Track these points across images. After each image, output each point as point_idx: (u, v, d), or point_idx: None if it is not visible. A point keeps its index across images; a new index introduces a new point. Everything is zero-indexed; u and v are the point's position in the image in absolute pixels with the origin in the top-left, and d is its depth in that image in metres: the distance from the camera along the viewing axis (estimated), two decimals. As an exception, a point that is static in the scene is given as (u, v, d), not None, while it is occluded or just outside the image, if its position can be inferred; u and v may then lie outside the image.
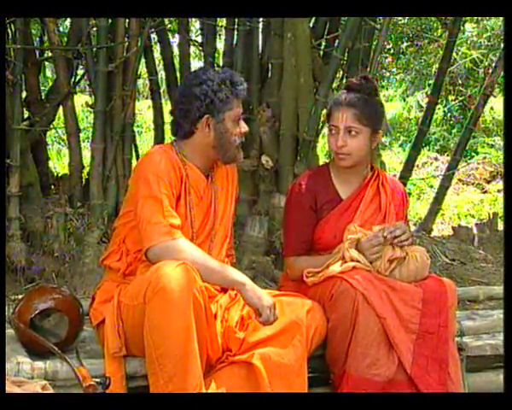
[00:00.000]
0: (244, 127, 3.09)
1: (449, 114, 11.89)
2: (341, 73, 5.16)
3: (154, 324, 2.70)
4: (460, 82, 11.34)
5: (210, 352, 2.90)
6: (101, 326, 2.99)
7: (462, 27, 7.83)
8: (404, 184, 5.53)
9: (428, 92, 7.95)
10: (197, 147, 3.06)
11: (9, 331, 3.00)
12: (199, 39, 5.77)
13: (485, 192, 9.19)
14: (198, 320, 2.74)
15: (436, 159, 10.34)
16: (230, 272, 2.92)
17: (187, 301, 2.69)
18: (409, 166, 6.06)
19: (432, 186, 8.75)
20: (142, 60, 5.05)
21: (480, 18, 9.94)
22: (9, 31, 4.51)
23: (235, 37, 4.95)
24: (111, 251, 3.12)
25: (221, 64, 5.16)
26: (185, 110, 3.01)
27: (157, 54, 5.92)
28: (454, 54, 8.15)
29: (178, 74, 5.24)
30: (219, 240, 3.15)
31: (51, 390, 2.67)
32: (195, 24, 6.94)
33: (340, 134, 3.17)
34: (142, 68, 5.47)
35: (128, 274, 3.03)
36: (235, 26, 4.92)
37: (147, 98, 10.77)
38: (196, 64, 7.70)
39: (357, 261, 3.08)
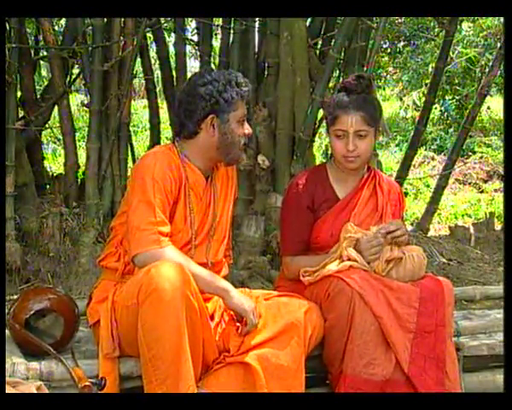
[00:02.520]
0: (248, 129, 3.09)
1: (445, 114, 11.88)
2: (338, 72, 5.15)
3: (147, 325, 2.70)
4: (457, 81, 11.34)
5: (206, 353, 2.88)
6: (98, 326, 2.98)
7: (458, 26, 7.81)
8: (401, 184, 5.54)
9: (425, 91, 7.94)
10: (200, 147, 3.05)
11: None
12: (195, 38, 5.77)
13: (482, 192, 9.19)
14: (192, 321, 2.74)
15: (433, 158, 10.33)
16: (215, 278, 2.94)
17: (180, 302, 2.69)
18: (405, 165, 6.06)
19: (428, 186, 8.75)
20: (138, 59, 5.05)
21: (476, 17, 9.94)
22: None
23: (232, 36, 4.94)
24: (108, 253, 3.11)
25: (217, 63, 5.15)
26: (190, 110, 3.00)
27: (153, 53, 5.91)
28: (450, 53, 8.14)
29: (174, 74, 5.23)
30: (217, 240, 3.15)
31: (46, 391, 2.67)
32: (191, 23, 6.94)
33: (349, 138, 3.15)
34: (138, 68, 5.46)
35: (126, 273, 3.02)
36: (232, 26, 4.91)
37: (143, 98, 10.78)
38: (192, 63, 7.70)
39: (355, 261, 3.07)
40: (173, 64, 5.30)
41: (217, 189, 3.16)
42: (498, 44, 8.03)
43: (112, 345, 2.86)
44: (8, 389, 2.53)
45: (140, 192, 2.91)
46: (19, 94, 4.83)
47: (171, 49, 5.51)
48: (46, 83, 5.71)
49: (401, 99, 13.11)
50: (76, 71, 5.44)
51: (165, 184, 2.93)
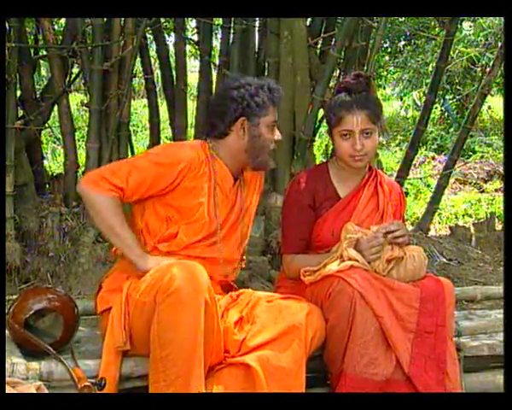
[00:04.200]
0: (278, 135, 3.14)
1: (446, 113, 11.89)
2: (338, 71, 5.14)
3: (164, 324, 2.69)
4: (457, 81, 11.34)
5: (213, 356, 2.88)
6: (106, 314, 2.97)
7: (459, 26, 7.81)
8: (402, 184, 5.54)
9: (426, 91, 7.94)
10: (230, 149, 3.10)
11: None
12: (195, 38, 5.76)
13: (483, 191, 9.18)
14: (207, 327, 2.74)
15: (433, 158, 10.34)
16: (133, 242, 2.96)
17: (199, 306, 2.69)
18: (406, 165, 6.05)
19: (429, 186, 8.74)
20: (138, 58, 5.04)
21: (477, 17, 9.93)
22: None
23: (232, 35, 4.94)
24: None
25: (217, 63, 5.15)
26: (221, 112, 3.06)
27: (153, 53, 5.91)
28: (451, 52, 8.14)
29: (174, 73, 5.22)
30: (234, 241, 3.18)
31: (46, 391, 2.66)
32: (191, 23, 6.93)
33: (356, 138, 3.15)
34: (138, 67, 5.46)
35: None
36: (232, 25, 4.90)
37: (142, 97, 10.78)
38: (192, 63, 7.68)
39: (356, 261, 3.06)
40: (173, 63, 5.30)
41: (244, 191, 3.20)
42: (499, 44, 8.03)
43: (123, 338, 2.83)
44: (8, 390, 2.52)
45: (152, 155, 3.06)
46: (18, 93, 4.83)
47: (171, 49, 5.51)
48: (46, 82, 5.71)
49: (401, 99, 13.12)
50: (76, 70, 5.44)
51: (176, 163, 2.98)
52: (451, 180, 8.21)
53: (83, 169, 4.83)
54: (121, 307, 2.86)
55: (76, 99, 8.22)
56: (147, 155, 3.09)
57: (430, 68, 10.38)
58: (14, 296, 3.44)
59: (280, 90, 3.12)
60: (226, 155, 3.10)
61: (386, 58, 12.15)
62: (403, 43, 11.73)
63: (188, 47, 5.83)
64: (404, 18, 9.78)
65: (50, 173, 5.30)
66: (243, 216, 3.20)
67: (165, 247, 3.02)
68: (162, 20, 5.18)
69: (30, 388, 2.60)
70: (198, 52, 5.51)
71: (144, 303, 2.79)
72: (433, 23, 10.13)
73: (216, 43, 5.93)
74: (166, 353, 2.69)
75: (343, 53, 4.83)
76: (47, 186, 5.01)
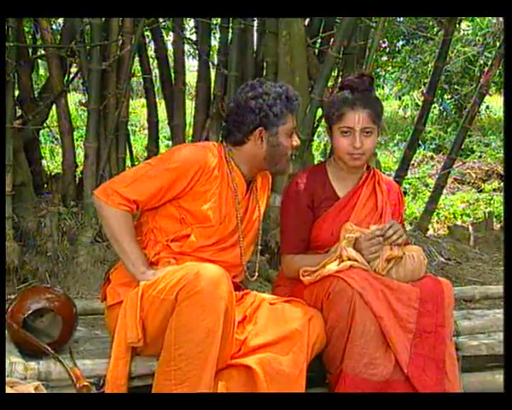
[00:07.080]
0: (296, 141, 3.13)
1: (444, 113, 11.89)
2: (337, 71, 5.15)
3: (182, 324, 2.69)
4: (455, 80, 11.34)
5: (223, 361, 2.86)
6: (115, 308, 2.94)
7: (457, 25, 7.81)
8: (400, 184, 5.54)
9: (424, 91, 7.94)
10: (247, 156, 3.10)
11: (2, 331, 2.98)
12: (193, 37, 5.76)
13: (481, 191, 9.17)
14: (223, 332, 2.74)
15: (432, 158, 10.34)
16: (137, 259, 2.94)
17: (219, 311, 2.69)
18: (404, 165, 6.05)
19: (427, 185, 8.74)
20: (136, 58, 5.04)
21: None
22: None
23: (230, 35, 4.94)
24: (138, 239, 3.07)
25: (216, 62, 5.14)
26: (239, 121, 3.05)
27: (151, 52, 5.91)
28: (449, 52, 8.14)
29: (173, 73, 5.22)
30: (246, 245, 3.19)
31: (44, 391, 2.66)
32: (190, 22, 6.93)
33: (356, 135, 3.15)
34: (136, 67, 5.45)
35: (151, 264, 2.99)
36: (230, 25, 4.90)
37: (141, 97, 10.77)
38: (191, 62, 7.68)
39: (355, 260, 3.06)
40: (171, 63, 5.30)
41: (256, 197, 3.21)
42: (497, 43, 8.03)
43: (137, 335, 2.80)
44: (7, 389, 2.52)
45: (160, 160, 3.04)
46: (17, 93, 4.82)
47: (170, 48, 5.51)
48: (44, 82, 5.70)
49: (400, 98, 13.12)
50: (74, 70, 5.43)
51: (188, 167, 2.95)
52: (450, 180, 8.21)
53: (81, 169, 4.82)
54: (136, 302, 2.83)
55: (74, 98, 8.21)
56: (158, 162, 3.03)
57: (428, 68, 10.38)
58: (13, 296, 3.43)
59: (298, 98, 3.10)
60: (242, 161, 3.10)
61: (385, 58, 12.14)
62: (401, 42, 11.73)
63: (186, 46, 5.82)
64: (402, 18, 9.77)
65: (49, 173, 5.30)
66: (255, 221, 3.20)
67: (177, 246, 3.00)
68: (160, 19, 5.18)
69: (28, 388, 2.60)
70: (196, 52, 5.51)
71: (163, 300, 2.77)
72: (431, 23, 10.13)
73: (214, 43, 5.93)
74: (180, 352, 2.69)
75: (341, 53, 4.83)
76: (45, 186, 5.00)
